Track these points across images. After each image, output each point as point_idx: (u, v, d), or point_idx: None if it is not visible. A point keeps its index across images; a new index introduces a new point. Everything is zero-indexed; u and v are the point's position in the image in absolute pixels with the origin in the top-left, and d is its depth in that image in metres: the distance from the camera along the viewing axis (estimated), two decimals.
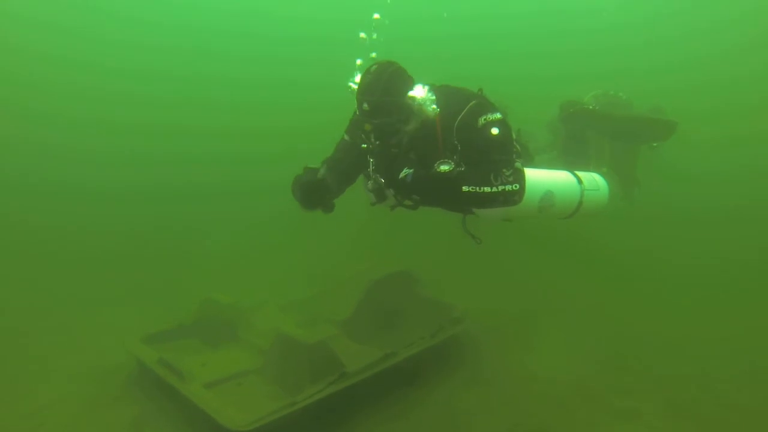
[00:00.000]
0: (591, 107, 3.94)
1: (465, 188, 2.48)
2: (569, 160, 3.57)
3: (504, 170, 2.51)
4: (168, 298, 5.21)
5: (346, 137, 2.97)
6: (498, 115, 2.64)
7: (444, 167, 2.51)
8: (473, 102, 2.61)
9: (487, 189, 2.48)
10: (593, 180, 3.35)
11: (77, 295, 5.52)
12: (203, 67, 11.91)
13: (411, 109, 2.54)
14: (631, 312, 5.11)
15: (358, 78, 2.69)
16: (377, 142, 2.58)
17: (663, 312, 5.08)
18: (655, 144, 4.29)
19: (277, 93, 11.61)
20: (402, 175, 2.53)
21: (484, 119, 2.59)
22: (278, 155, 8.54)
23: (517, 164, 2.61)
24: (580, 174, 3.28)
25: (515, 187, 2.52)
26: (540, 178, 2.97)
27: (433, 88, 2.69)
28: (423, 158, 2.64)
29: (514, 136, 2.77)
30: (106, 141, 9.56)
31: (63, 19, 11.18)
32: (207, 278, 5.60)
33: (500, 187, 2.48)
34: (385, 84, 2.50)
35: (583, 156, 3.65)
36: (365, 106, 2.52)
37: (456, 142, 2.59)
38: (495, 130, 2.58)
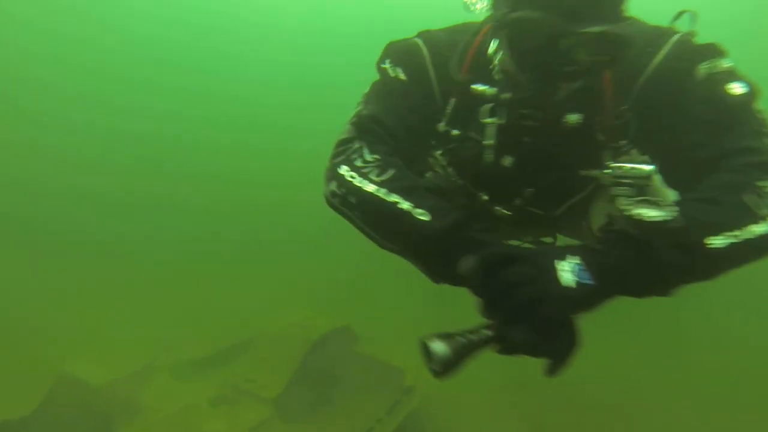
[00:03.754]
0: None
1: (712, 242, 1.11)
2: None
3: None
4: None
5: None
6: (733, 65, 1.36)
7: (651, 213, 1.09)
8: (679, 35, 1.37)
9: (755, 229, 1.16)
10: None
11: None
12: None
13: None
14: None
15: None
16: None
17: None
18: None
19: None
20: (564, 282, 0.96)
21: (710, 66, 1.35)
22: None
23: None
24: None
25: None
26: None
27: None
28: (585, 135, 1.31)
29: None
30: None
31: (72, 29, 10.77)
32: (62, 334, 3.94)
33: None
34: None
35: None
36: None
37: (635, 104, 1.34)
38: (739, 88, 1.29)
